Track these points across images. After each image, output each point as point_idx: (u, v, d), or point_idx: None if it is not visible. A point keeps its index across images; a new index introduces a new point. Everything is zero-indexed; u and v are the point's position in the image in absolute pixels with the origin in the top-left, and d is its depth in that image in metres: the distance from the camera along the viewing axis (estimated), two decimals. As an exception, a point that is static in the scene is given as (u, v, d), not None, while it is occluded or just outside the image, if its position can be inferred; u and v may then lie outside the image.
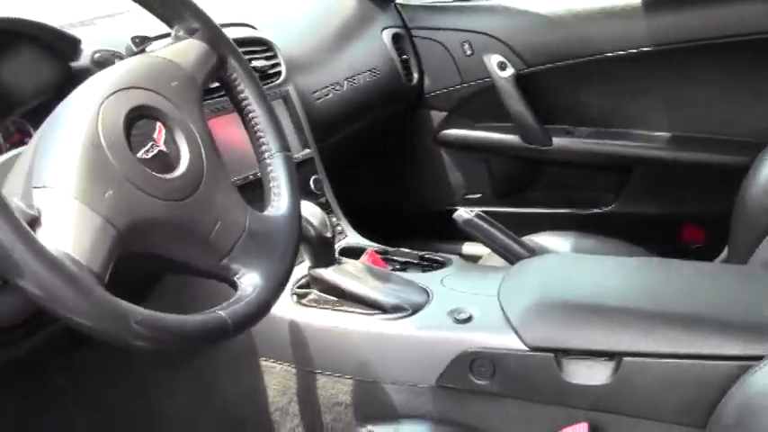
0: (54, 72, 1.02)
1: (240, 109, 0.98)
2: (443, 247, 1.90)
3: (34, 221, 0.66)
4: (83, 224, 0.68)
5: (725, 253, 1.49)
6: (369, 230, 1.46)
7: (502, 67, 1.92)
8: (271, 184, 0.95)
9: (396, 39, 1.99)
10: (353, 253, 1.31)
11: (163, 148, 0.80)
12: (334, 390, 1.13)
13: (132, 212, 0.73)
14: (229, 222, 0.84)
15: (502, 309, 1.05)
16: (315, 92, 1.63)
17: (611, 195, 1.99)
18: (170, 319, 0.70)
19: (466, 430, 1.06)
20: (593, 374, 0.96)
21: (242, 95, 0.97)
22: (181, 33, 0.93)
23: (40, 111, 0.89)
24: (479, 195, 2.10)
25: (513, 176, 2.09)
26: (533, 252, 1.25)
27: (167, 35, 0.96)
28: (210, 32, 0.94)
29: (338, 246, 1.33)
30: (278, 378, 1.18)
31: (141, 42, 1.02)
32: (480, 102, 2.00)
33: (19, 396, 1.34)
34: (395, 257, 1.32)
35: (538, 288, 1.08)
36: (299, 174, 1.26)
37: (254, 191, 1.03)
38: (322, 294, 1.16)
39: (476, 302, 1.09)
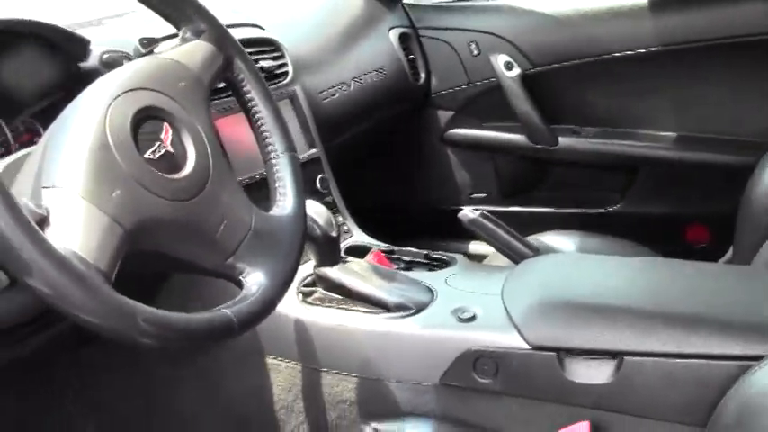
0: (63, 72, 1.04)
1: (246, 110, 0.99)
2: (450, 246, 1.91)
3: (43, 221, 0.68)
4: (90, 224, 0.69)
5: (730, 253, 1.49)
6: (375, 229, 1.47)
7: (508, 66, 1.92)
8: (276, 185, 0.96)
9: (403, 38, 2.00)
10: (359, 252, 1.31)
11: (170, 148, 0.81)
12: (339, 387, 1.14)
13: (139, 212, 0.74)
14: (235, 222, 0.85)
15: (505, 308, 1.06)
16: (322, 91, 1.64)
17: (617, 195, 1.99)
18: (176, 317, 0.71)
19: (469, 428, 1.07)
20: (594, 373, 0.97)
21: (248, 96, 0.98)
22: (188, 35, 0.94)
23: (49, 111, 0.91)
24: (486, 195, 2.11)
25: (520, 176, 2.10)
26: (537, 252, 1.26)
27: (174, 36, 0.97)
28: (217, 34, 0.95)
29: (344, 245, 1.34)
30: (283, 376, 1.19)
31: (149, 44, 1.04)
32: (487, 101, 2.00)
33: (19, 396, 1.35)
34: (400, 256, 1.33)
35: (540, 287, 1.08)
36: (306, 173, 1.28)
37: (261, 190, 1.04)
38: (327, 293, 1.17)
39: (479, 301, 1.10)
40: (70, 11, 1.27)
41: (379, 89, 1.87)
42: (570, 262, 1.22)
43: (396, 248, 1.35)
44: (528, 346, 1.00)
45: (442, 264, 1.29)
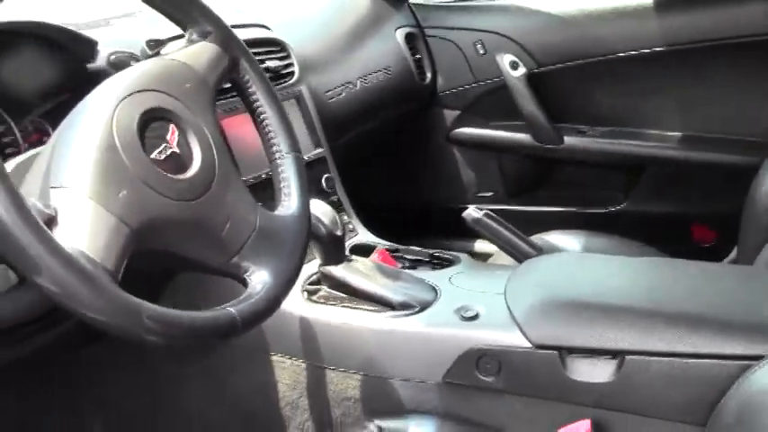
0: (71, 73, 1.05)
1: (252, 110, 1.00)
2: (455, 244, 1.92)
3: (51, 221, 0.69)
4: (97, 223, 0.70)
5: (734, 253, 1.49)
6: (381, 228, 1.48)
7: (514, 66, 1.93)
8: (281, 185, 0.97)
9: (409, 38, 2.01)
10: (364, 251, 1.32)
11: (176, 149, 0.82)
12: (344, 385, 1.15)
13: (145, 212, 0.75)
14: (240, 221, 0.86)
15: (508, 307, 1.07)
16: (328, 91, 1.64)
17: (623, 195, 1.99)
18: (181, 315, 0.72)
19: (472, 426, 1.08)
20: (596, 372, 0.98)
21: (253, 97, 0.99)
22: (194, 37, 0.95)
23: (58, 110, 0.92)
24: (491, 194, 2.11)
25: (525, 175, 2.10)
26: (541, 251, 1.26)
27: (181, 36, 0.98)
28: (223, 35, 0.96)
29: (349, 243, 1.34)
30: (288, 373, 1.20)
31: (155, 45, 1.05)
32: (492, 101, 2.01)
33: (19, 396, 1.36)
34: (405, 255, 1.34)
35: (543, 287, 1.09)
36: (312, 172, 1.29)
37: (266, 190, 1.05)
38: (332, 291, 1.18)
39: (482, 300, 1.11)
40: (79, 11, 1.29)
41: (386, 88, 1.87)
42: (572, 261, 1.22)
43: (401, 247, 1.36)
44: (530, 345, 1.01)
45: (447, 263, 1.30)
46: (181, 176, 0.81)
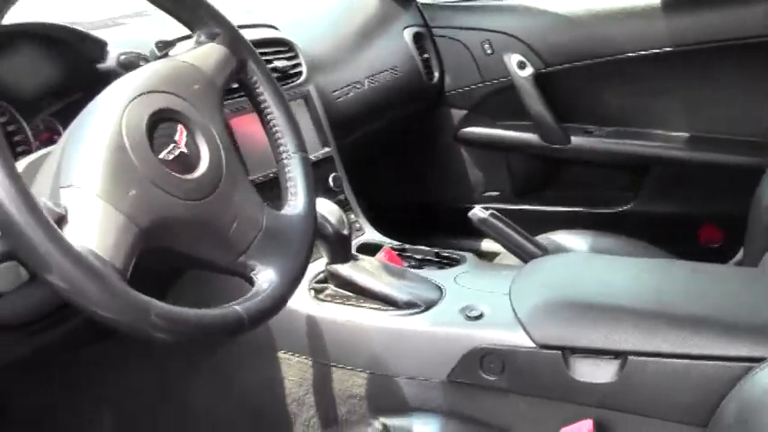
0: (80, 73, 1.06)
1: (259, 111, 1.01)
2: (462, 243, 1.93)
3: (61, 219, 0.70)
4: (107, 222, 0.72)
5: (740, 254, 1.49)
6: (389, 227, 1.49)
7: (521, 66, 1.93)
8: (287, 184, 0.98)
9: (417, 38, 2.01)
10: (370, 249, 1.33)
11: (184, 149, 0.83)
12: (349, 382, 1.16)
13: (154, 211, 0.76)
14: (247, 221, 0.87)
15: (512, 307, 1.08)
16: (335, 91, 1.65)
17: (629, 195, 1.99)
18: (188, 312, 0.73)
19: (475, 425, 1.08)
20: (599, 372, 0.99)
21: (261, 98, 1.00)
22: (202, 38, 0.96)
23: (68, 110, 0.93)
24: (498, 193, 2.12)
25: (532, 175, 2.11)
26: (546, 251, 1.27)
27: (189, 36, 1.00)
28: (231, 37, 0.97)
29: (355, 242, 1.35)
30: (295, 370, 1.21)
31: (164, 47, 1.05)
32: (500, 100, 2.01)
33: (20, 395, 1.37)
34: (411, 254, 1.35)
35: (547, 287, 1.10)
36: (319, 171, 1.29)
37: (273, 189, 1.05)
38: (338, 290, 1.20)
39: (487, 300, 1.12)
40: (90, 11, 1.30)
41: (393, 88, 1.88)
42: (577, 262, 1.23)
43: (407, 246, 1.37)
44: (534, 345, 1.02)
45: (452, 262, 1.31)
46: (189, 176, 0.82)
